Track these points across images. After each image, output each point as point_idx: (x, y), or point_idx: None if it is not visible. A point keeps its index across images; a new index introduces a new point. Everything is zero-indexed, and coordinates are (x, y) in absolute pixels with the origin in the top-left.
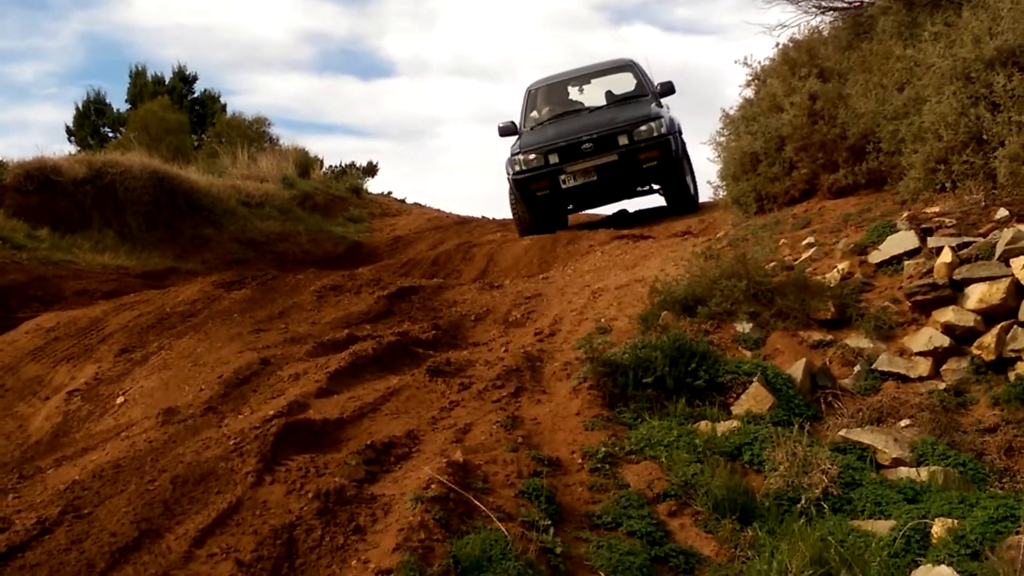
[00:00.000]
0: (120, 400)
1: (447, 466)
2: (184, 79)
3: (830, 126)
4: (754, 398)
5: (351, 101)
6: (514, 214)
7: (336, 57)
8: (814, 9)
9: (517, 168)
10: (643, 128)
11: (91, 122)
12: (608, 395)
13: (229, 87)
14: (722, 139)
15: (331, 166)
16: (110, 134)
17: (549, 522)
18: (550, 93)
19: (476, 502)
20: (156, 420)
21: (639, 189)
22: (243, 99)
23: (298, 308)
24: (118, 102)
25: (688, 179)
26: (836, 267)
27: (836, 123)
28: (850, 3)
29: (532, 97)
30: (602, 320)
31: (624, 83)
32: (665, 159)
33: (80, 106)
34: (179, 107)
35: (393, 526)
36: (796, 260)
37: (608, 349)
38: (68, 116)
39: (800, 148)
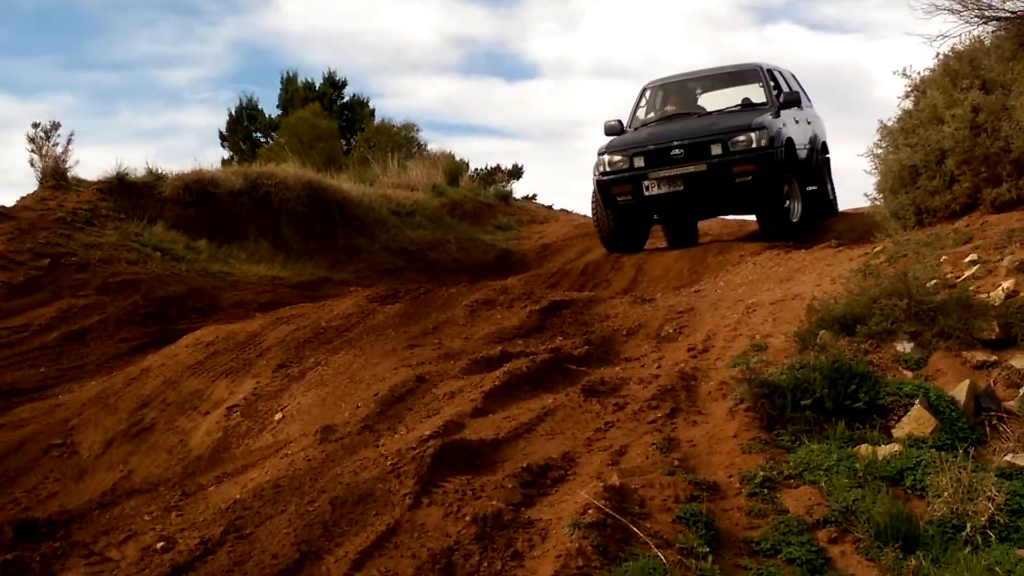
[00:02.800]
0: (278, 416)
1: (604, 490)
2: (334, 84)
3: (993, 139)
4: (916, 421)
5: (496, 103)
6: (596, 223)
7: (481, 59)
8: (976, 19)
9: (601, 170)
10: (741, 138)
11: (243, 127)
12: (765, 417)
13: (376, 91)
14: (879, 151)
15: (477, 169)
16: (262, 139)
17: (707, 549)
18: (665, 94)
19: (633, 528)
20: (314, 438)
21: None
22: (390, 103)
23: (451, 323)
24: (269, 107)
25: (794, 202)
26: (1000, 285)
27: (999, 136)
28: (1014, 13)
29: (645, 96)
30: (757, 337)
31: (746, 89)
32: (762, 176)
33: (233, 112)
34: (329, 112)
35: (551, 552)
36: (958, 277)
37: (765, 368)
38: (220, 120)
39: (962, 161)
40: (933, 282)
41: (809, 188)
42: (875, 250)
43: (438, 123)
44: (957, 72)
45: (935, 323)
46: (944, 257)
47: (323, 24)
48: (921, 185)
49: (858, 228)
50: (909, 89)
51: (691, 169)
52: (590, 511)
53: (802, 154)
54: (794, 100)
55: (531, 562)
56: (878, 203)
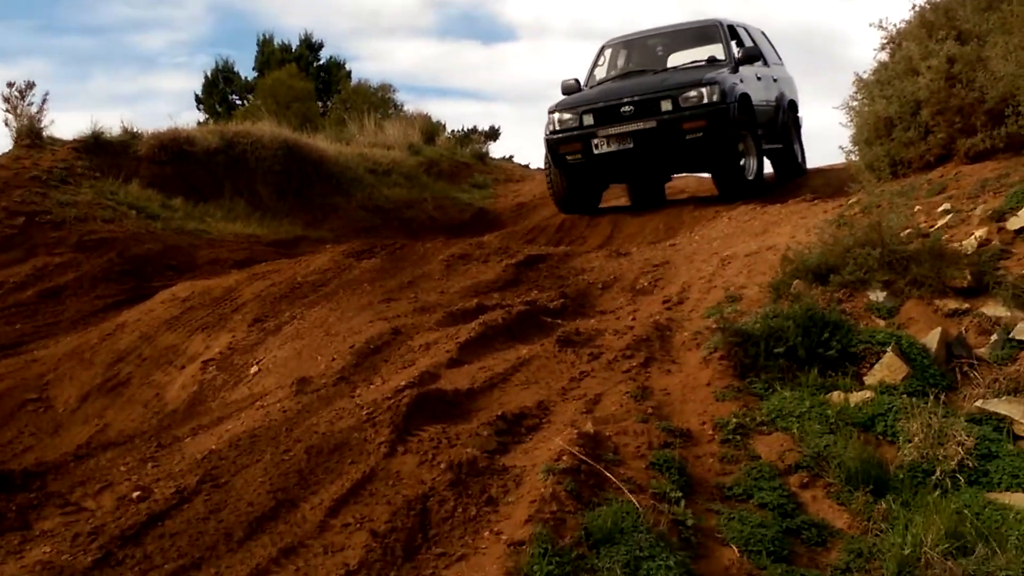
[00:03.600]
0: (254, 369)
1: (578, 437)
2: (310, 46)
3: (968, 90)
4: (888, 368)
5: (472, 66)
6: (548, 184)
7: (457, 22)
8: None
9: (550, 128)
10: (692, 94)
11: (219, 90)
12: (739, 365)
13: (352, 53)
14: (855, 103)
15: (454, 130)
16: (238, 101)
17: (680, 494)
18: (624, 51)
19: (607, 474)
20: (290, 390)
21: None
22: (366, 65)
23: (427, 277)
24: (245, 70)
25: (749, 160)
26: (973, 234)
27: (975, 87)
28: None
29: (604, 54)
30: (731, 288)
31: (706, 45)
32: (714, 132)
33: (209, 74)
34: (305, 74)
35: (525, 498)
36: (932, 227)
37: (738, 318)
38: (197, 84)
39: (937, 112)
40: (907, 232)
41: (773, 146)
42: (850, 202)
43: (414, 86)
44: (933, 23)
45: (908, 272)
46: (918, 207)
47: None
48: (896, 136)
49: (833, 183)
50: (885, 41)
51: (641, 126)
52: (564, 457)
53: (763, 111)
54: (753, 55)
55: (505, 507)
56: (853, 156)
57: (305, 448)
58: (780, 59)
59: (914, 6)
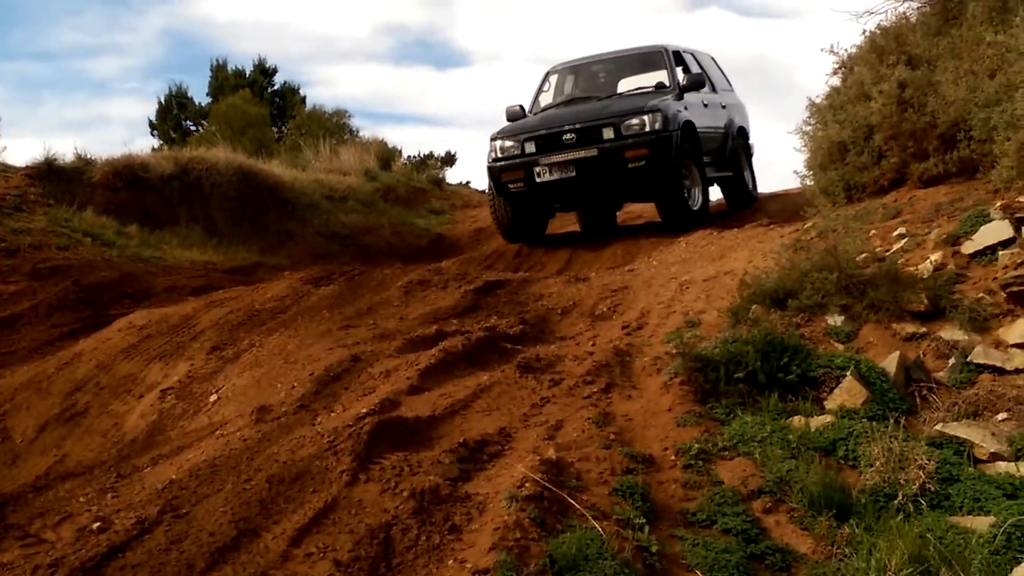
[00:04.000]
0: (213, 398)
1: (540, 464)
2: (264, 72)
3: (920, 114)
4: (848, 392)
5: (427, 91)
6: (492, 212)
7: (412, 48)
8: None
9: (492, 156)
10: (633, 121)
11: (173, 116)
12: (699, 390)
13: (306, 79)
14: (808, 128)
15: (410, 156)
16: (192, 127)
17: (644, 520)
18: (569, 77)
19: (571, 500)
20: (250, 418)
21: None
22: (320, 91)
23: (386, 304)
24: (199, 96)
25: (694, 189)
26: (928, 258)
27: (926, 111)
28: None
29: (549, 80)
30: (690, 313)
31: (651, 71)
32: (656, 161)
33: (162, 100)
34: (260, 100)
35: (488, 525)
36: (887, 251)
37: (698, 343)
38: (150, 110)
39: (889, 137)
40: (863, 256)
41: (722, 174)
42: (805, 226)
43: (370, 112)
44: (884, 48)
45: (865, 296)
46: (873, 231)
47: (252, 13)
48: (850, 161)
49: (789, 208)
50: (837, 66)
51: (582, 154)
52: (527, 484)
53: (710, 138)
54: (698, 82)
55: (469, 535)
56: (808, 180)
57: (266, 477)
58: (730, 85)
59: (865, 31)
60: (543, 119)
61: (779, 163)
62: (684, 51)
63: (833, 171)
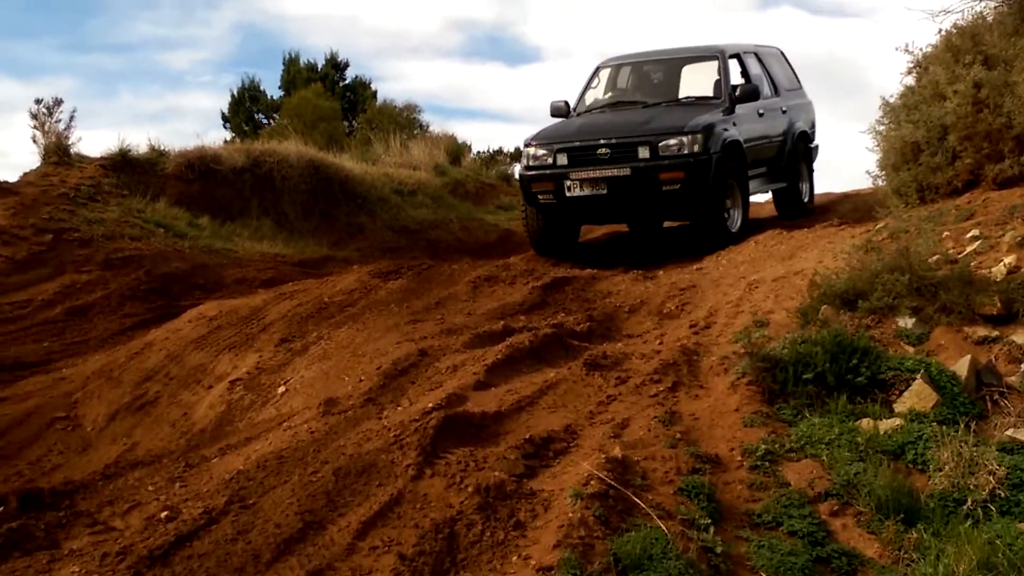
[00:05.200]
0: (281, 390)
1: (606, 462)
2: (336, 66)
3: (995, 115)
4: (917, 396)
5: (497, 87)
6: (524, 221)
7: (482, 43)
8: None
9: (524, 163)
10: (671, 142)
11: (246, 109)
12: (767, 391)
13: (377, 74)
14: (882, 128)
15: (479, 152)
16: (264, 120)
17: (709, 520)
18: (619, 75)
19: (635, 499)
20: (317, 411)
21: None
22: (391, 85)
23: (454, 298)
24: (272, 89)
25: (734, 211)
26: (1002, 260)
27: (1002, 112)
28: None
29: (598, 76)
30: (759, 313)
31: (705, 77)
32: (693, 185)
33: (235, 93)
34: (331, 94)
35: (553, 522)
36: (960, 253)
37: (766, 343)
38: (223, 103)
39: (964, 137)
40: (935, 257)
41: (776, 185)
42: (877, 227)
43: (440, 106)
44: (959, 48)
45: (937, 298)
46: (946, 233)
47: (324, 7)
48: (923, 162)
49: (860, 208)
50: (911, 65)
51: (615, 172)
52: (592, 482)
53: (762, 149)
54: (751, 94)
55: (533, 532)
56: (880, 181)
57: (333, 470)
58: (798, 82)
59: (940, 30)
60: (579, 128)
61: (851, 163)
62: (745, 52)
63: (906, 172)
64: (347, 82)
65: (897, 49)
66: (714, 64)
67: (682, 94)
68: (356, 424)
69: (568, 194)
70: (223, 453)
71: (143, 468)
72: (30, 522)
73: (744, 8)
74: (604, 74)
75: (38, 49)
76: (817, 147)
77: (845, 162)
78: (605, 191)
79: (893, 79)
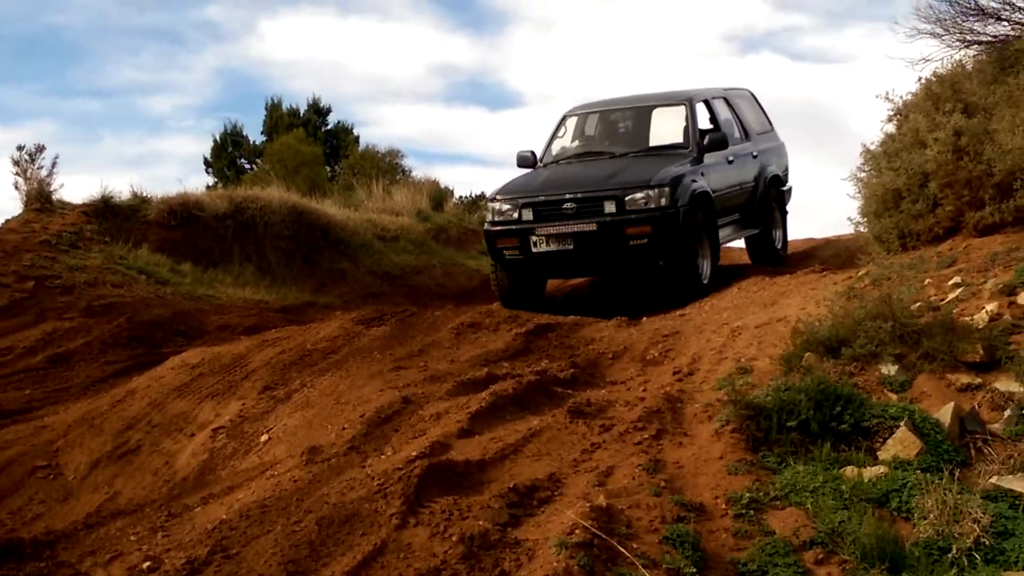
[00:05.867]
0: (264, 438)
1: (590, 510)
2: (318, 111)
3: (976, 163)
4: (901, 443)
5: (479, 132)
6: (492, 277)
7: (464, 88)
8: (958, 43)
9: (489, 218)
10: (638, 196)
11: (228, 153)
12: (751, 438)
13: (360, 118)
14: (863, 175)
15: (461, 196)
16: (247, 165)
17: (695, 569)
18: (585, 124)
19: (621, 548)
20: (300, 459)
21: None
22: (373, 130)
23: (437, 345)
24: (254, 134)
25: (703, 262)
26: (984, 308)
27: (982, 159)
28: (995, 37)
29: (564, 125)
30: (742, 360)
31: (672, 125)
32: (660, 239)
33: (217, 138)
34: (313, 139)
35: (538, 572)
36: (942, 300)
37: (750, 391)
38: (205, 148)
39: (945, 185)
40: (917, 305)
41: (749, 231)
42: (859, 273)
43: (421, 152)
44: (939, 96)
45: (920, 345)
46: (928, 280)
47: (306, 52)
48: (904, 209)
49: (842, 254)
50: (892, 113)
51: (581, 227)
52: (577, 531)
53: (733, 197)
54: (719, 142)
55: None
56: (862, 227)
57: (316, 519)
58: (770, 124)
59: (920, 78)
60: (544, 182)
61: (831, 208)
62: (714, 97)
63: (887, 218)
64: (329, 127)
65: (877, 97)
66: (682, 110)
67: (651, 142)
68: (339, 472)
69: (534, 250)
70: (206, 502)
71: (125, 517)
72: (11, 573)
73: (725, 54)
74: (571, 123)
75: (20, 94)
76: (790, 189)
77: (826, 208)
78: (572, 246)
79: (873, 125)
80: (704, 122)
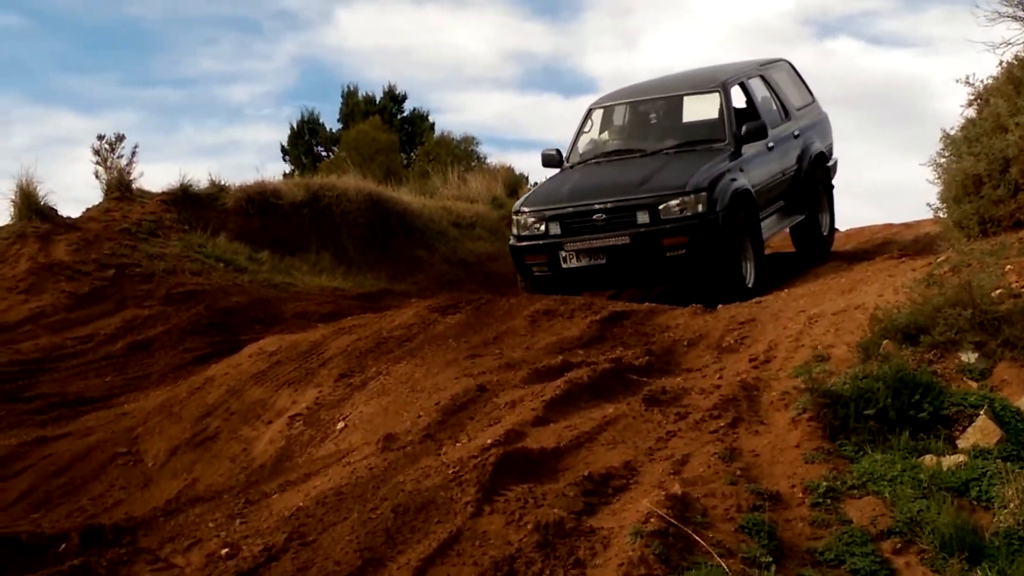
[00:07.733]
0: (340, 425)
1: (666, 499)
2: (394, 98)
3: None
4: (981, 431)
5: (553, 118)
6: (521, 289)
7: (539, 75)
8: None
9: (515, 232)
10: (673, 203)
11: (305, 141)
12: (828, 427)
13: (434, 105)
14: (943, 160)
15: (536, 183)
16: (323, 153)
17: (770, 559)
18: (613, 117)
19: (696, 537)
20: (376, 447)
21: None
22: (448, 117)
23: (512, 333)
24: (331, 122)
25: (747, 264)
26: None
27: None
28: None
29: (590, 119)
30: (819, 347)
31: (706, 114)
32: (699, 248)
33: (294, 126)
34: (389, 127)
35: (613, 560)
36: (1023, 287)
37: (827, 379)
38: (282, 136)
39: None
40: (998, 291)
41: (793, 219)
42: (938, 260)
43: (496, 138)
44: (1021, 80)
45: (1000, 333)
46: (1009, 267)
47: (381, 40)
48: (985, 194)
49: (921, 240)
50: (972, 97)
51: (613, 241)
52: (652, 520)
53: (775, 186)
54: (758, 132)
55: (593, 570)
56: (941, 213)
57: (392, 506)
58: (811, 95)
59: (1001, 62)
60: (572, 190)
61: (910, 193)
62: (749, 76)
63: (968, 204)
64: (405, 114)
65: (957, 81)
66: (716, 98)
67: (684, 135)
68: (415, 460)
69: (564, 266)
70: (283, 489)
71: (203, 504)
72: (92, 559)
73: (803, 37)
74: (597, 116)
75: (101, 84)
76: (835, 164)
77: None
78: (604, 261)
79: (953, 110)
80: (740, 104)
